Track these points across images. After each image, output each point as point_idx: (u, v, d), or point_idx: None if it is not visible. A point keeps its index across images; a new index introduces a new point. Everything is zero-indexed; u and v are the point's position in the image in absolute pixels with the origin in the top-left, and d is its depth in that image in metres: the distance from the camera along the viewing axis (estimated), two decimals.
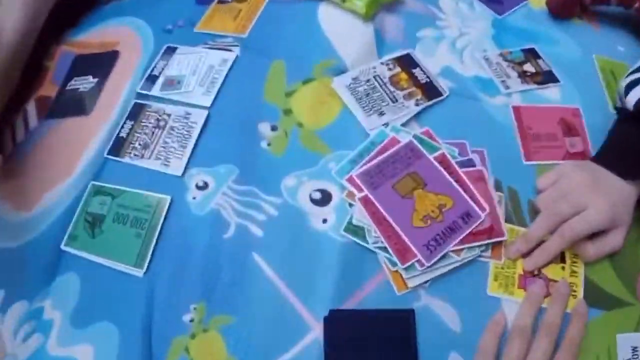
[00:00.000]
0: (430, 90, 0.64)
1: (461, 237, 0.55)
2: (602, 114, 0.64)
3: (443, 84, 0.65)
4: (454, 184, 0.57)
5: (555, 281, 0.54)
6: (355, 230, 0.56)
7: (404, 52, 0.67)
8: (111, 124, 0.64)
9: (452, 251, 0.54)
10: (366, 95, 0.63)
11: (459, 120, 0.63)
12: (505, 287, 0.54)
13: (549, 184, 0.58)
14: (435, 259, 0.54)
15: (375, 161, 0.58)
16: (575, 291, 0.54)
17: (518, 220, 0.57)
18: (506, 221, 0.57)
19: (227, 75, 0.64)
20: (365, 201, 0.56)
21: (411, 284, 0.54)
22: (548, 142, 0.62)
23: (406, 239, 0.55)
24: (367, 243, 0.55)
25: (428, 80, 0.65)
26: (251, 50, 0.67)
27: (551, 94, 0.66)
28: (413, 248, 0.54)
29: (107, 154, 0.62)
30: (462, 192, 0.57)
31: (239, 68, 0.65)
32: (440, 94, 0.64)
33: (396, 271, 0.54)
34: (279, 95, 0.63)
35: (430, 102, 0.63)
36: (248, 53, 0.67)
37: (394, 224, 0.55)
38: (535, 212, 0.57)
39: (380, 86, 0.64)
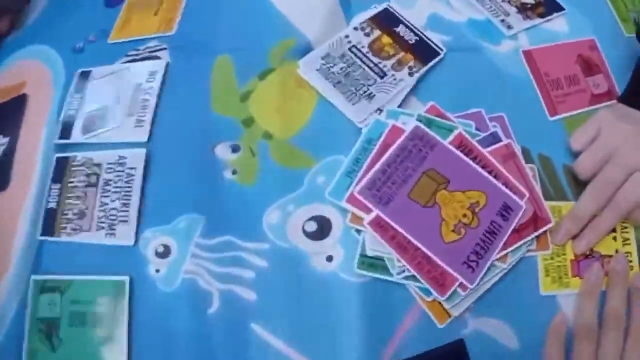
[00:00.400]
0: (422, 51, 0.49)
1: (504, 239, 0.43)
2: (618, 41, 0.54)
3: (435, 39, 0.50)
4: (483, 172, 0.44)
5: (609, 256, 0.46)
6: (372, 263, 0.43)
7: (380, 7, 0.52)
8: (35, 194, 0.49)
9: (497, 259, 0.43)
10: (345, 75, 0.48)
11: (465, 83, 0.49)
12: (559, 280, 0.45)
13: (585, 142, 0.47)
14: (480, 276, 0.42)
15: (378, 165, 0.43)
16: (631, 261, 0.46)
17: (557, 193, 0.47)
18: (544, 197, 0.46)
19: (160, 92, 0.49)
20: (378, 224, 0.42)
21: (455, 312, 0.43)
22: (570, 87, 0.52)
23: (440, 262, 0.42)
24: (391, 275, 0.42)
25: (417, 38, 0.49)
26: (184, 51, 0.52)
27: (559, 27, 0.54)
28: (451, 271, 0.42)
29: (41, 235, 0.48)
30: (494, 181, 0.44)
31: (174, 78, 0.50)
32: (437, 53, 0.49)
33: (433, 300, 0.43)
34: (232, 102, 0.48)
35: (427, 67, 0.48)
36: (181, 55, 0.51)
37: (421, 247, 0.42)
38: (576, 179, 0.47)
39: (360, 60, 0.48)
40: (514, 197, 0.44)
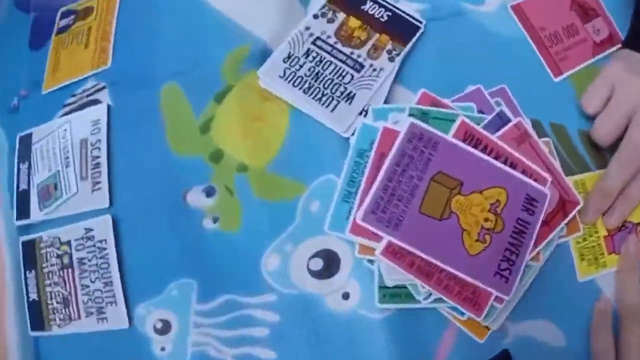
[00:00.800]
0: (399, 28, 0.41)
1: (534, 236, 0.37)
2: None
3: (411, 11, 0.42)
4: (497, 164, 0.38)
5: None
6: (394, 293, 0.38)
7: None
8: (13, 286, 0.44)
9: (530, 259, 0.38)
10: (315, 77, 0.40)
11: (454, 56, 0.43)
12: (595, 262, 0.41)
13: (599, 104, 0.41)
14: (516, 285, 0.37)
15: (378, 182, 0.37)
16: None
17: (577, 165, 0.42)
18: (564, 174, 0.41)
19: (109, 143, 0.42)
20: (392, 252, 0.37)
21: (494, 326, 0.39)
22: (570, 39, 0.45)
23: (470, 279, 0.36)
24: (418, 302, 0.37)
25: (390, 13, 0.42)
26: (124, 86, 0.44)
27: None
28: (483, 286, 0.36)
29: (32, 330, 0.43)
30: (512, 172, 0.38)
31: (120, 122, 0.43)
32: (416, 28, 0.41)
33: (469, 318, 0.38)
34: (193, 137, 0.42)
35: (408, 46, 0.41)
36: (122, 92, 0.44)
37: (445, 267, 0.36)
38: (595, 144, 0.42)
39: (329, 53, 0.41)
40: (537, 185, 0.38)
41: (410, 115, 0.39)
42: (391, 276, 0.38)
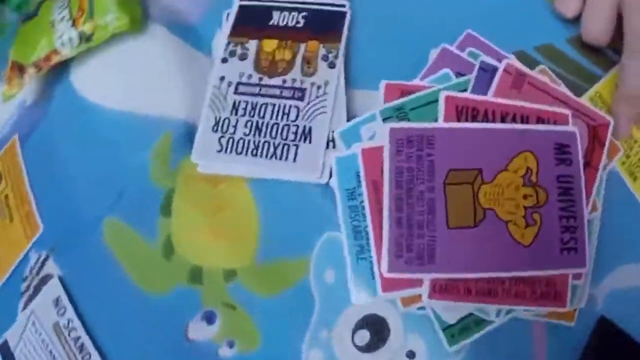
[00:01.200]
0: (323, 25, 0.33)
1: (583, 186, 0.30)
2: None
3: None
4: (508, 126, 0.30)
5: None
6: (463, 327, 0.30)
7: (233, 10, 0.35)
8: None
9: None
10: (256, 131, 0.32)
11: (399, 25, 0.34)
12: None
13: (576, 2, 0.34)
14: (587, 249, 0.30)
15: (387, 218, 0.29)
16: None
17: (583, 78, 0.34)
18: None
19: (82, 318, 0.35)
20: (441, 289, 0.28)
21: (582, 303, 0.31)
22: None
23: (539, 272, 0.29)
24: (492, 322, 0.30)
25: (305, 12, 0.33)
26: (64, 245, 0.37)
27: None
28: (555, 272, 0.29)
29: None
30: (529, 127, 0.30)
31: (80, 289, 0.35)
32: (341, 14, 0.33)
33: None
34: (161, 268, 0.34)
35: (343, 41, 0.32)
36: (65, 253, 0.36)
37: (505, 275, 0.28)
38: (592, 48, 0.34)
39: (259, 95, 0.33)
40: (560, 128, 0.30)
41: (384, 119, 0.31)
42: (451, 314, 0.30)
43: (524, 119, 0.30)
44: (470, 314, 0.30)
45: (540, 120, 0.30)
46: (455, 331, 0.30)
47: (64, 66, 0.39)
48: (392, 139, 0.29)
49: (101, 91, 0.37)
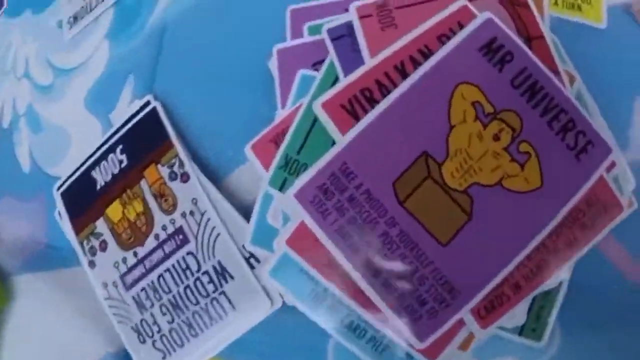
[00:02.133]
0: (141, 133, 0.25)
1: (544, 71, 0.21)
2: None
3: (124, 111, 0.26)
4: (414, 78, 0.21)
5: None
6: (537, 314, 0.22)
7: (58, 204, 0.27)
8: None
9: None
10: (177, 309, 0.24)
11: (214, 62, 0.26)
12: None
13: None
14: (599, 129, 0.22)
15: (374, 295, 0.20)
16: None
17: None
18: None
19: None
20: (485, 313, 0.20)
21: (632, 184, 0.24)
22: None
23: (576, 200, 0.21)
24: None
25: (122, 145, 0.25)
26: None
27: None
28: (591, 182, 0.21)
29: None
30: (433, 60, 0.21)
31: None
32: (152, 113, 0.25)
33: None
34: None
35: (173, 135, 0.24)
36: None
37: (542, 236, 0.20)
38: None
39: (148, 272, 0.24)
40: (469, 27, 0.22)
41: (281, 189, 0.22)
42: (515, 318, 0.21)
43: (426, 53, 0.21)
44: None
45: (443, 37, 0.21)
46: (532, 323, 0.22)
47: None
48: (305, 204, 0.21)
49: None
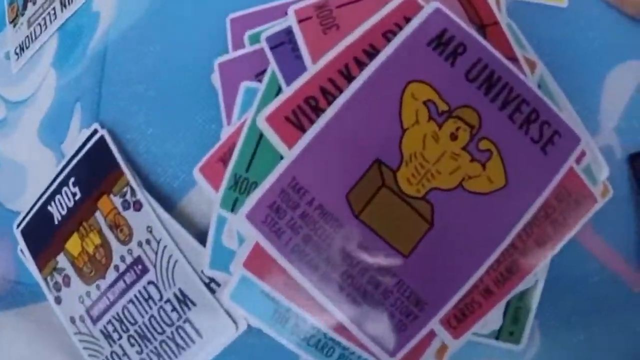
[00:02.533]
0: (90, 164, 0.24)
1: (502, 61, 0.20)
2: None
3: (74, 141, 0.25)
4: (361, 81, 0.20)
5: None
6: (514, 316, 0.20)
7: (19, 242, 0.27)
8: None
9: None
10: (144, 340, 0.23)
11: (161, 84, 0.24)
12: None
13: None
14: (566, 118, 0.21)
15: (341, 313, 0.19)
16: None
17: None
18: None
19: None
20: (456, 322, 0.19)
21: (605, 172, 0.22)
22: None
23: (546, 195, 0.20)
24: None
25: (69, 170, 0.25)
26: None
27: None
28: (560, 175, 0.20)
29: None
30: (380, 59, 0.20)
31: None
32: (101, 142, 0.24)
33: None
34: None
35: (123, 163, 0.23)
36: None
37: (512, 237, 0.19)
38: None
39: (112, 304, 0.24)
40: (416, 20, 0.20)
41: (232, 209, 0.21)
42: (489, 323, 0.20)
43: (371, 52, 0.20)
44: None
45: (389, 34, 0.20)
46: (509, 326, 0.20)
47: None
48: (257, 224, 0.20)
49: None
